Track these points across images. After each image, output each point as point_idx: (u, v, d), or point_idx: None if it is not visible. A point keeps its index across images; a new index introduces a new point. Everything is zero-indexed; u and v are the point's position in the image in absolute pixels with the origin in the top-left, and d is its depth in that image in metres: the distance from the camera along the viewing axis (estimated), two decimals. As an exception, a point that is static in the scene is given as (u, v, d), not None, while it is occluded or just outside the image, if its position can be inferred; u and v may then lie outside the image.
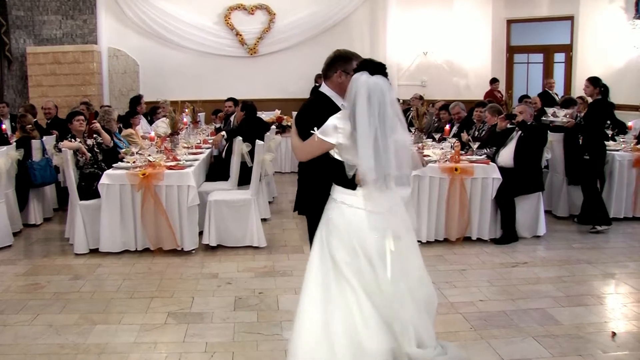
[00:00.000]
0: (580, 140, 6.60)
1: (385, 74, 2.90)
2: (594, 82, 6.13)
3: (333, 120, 2.89)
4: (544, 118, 6.48)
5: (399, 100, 10.52)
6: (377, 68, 2.88)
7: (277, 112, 10.71)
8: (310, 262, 2.98)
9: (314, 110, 3.13)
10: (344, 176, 2.88)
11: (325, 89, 3.22)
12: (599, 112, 6.18)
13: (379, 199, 2.88)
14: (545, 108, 6.94)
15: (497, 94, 11.16)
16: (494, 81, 11.53)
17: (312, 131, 2.89)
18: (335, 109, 3.02)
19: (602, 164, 6.24)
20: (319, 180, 3.04)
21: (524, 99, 8.87)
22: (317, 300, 2.93)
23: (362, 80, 2.83)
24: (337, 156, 2.93)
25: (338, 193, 2.98)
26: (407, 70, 12.52)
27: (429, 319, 3.04)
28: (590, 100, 6.48)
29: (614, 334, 3.63)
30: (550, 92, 10.20)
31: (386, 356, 2.83)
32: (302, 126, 3.06)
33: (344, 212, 2.94)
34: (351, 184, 2.91)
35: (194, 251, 5.34)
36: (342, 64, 3.15)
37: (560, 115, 6.32)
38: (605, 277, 4.78)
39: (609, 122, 6.65)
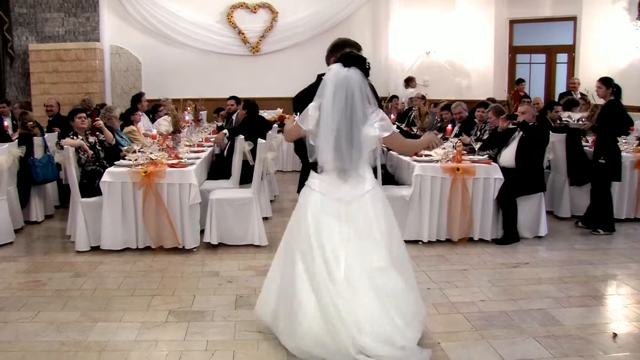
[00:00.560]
0: (583, 141, 6.58)
1: (363, 68, 2.91)
2: (606, 82, 5.90)
3: (309, 107, 2.99)
4: (558, 121, 6.45)
5: (396, 96, 10.63)
6: (351, 61, 2.90)
7: (279, 110, 10.70)
8: (283, 238, 3.27)
9: (309, 94, 3.22)
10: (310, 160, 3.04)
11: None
12: (613, 113, 5.91)
13: (337, 186, 2.98)
14: (559, 110, 6.92)
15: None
16: (519, 82, 11.11)
17: (294, 116, 3.07)
18: None
19: (619, 167, 6.00)
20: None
21: (523, 99, 8.84)
22: (278, 274, 3.25)
23: (332, 72, 2.88)
24: (311, 141, 3.00)
25: (309, 176, 3.11)
26: (410, 70, 12.50)
27: (398, 316, 3.01)
28: (594, 101, 6.42)
29: (615, 335, 3.62)
30: (574, 92, 10.10)
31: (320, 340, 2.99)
32: (295, 108, 3.27)
33: (308, 194, 3.06)
34: (316, 168, 3.03)
35: (195, 249, 5.34)
36: (339, 51, 3.25)
37: (574, 118, 6.29)
38: (606, 278, 4.77)
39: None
